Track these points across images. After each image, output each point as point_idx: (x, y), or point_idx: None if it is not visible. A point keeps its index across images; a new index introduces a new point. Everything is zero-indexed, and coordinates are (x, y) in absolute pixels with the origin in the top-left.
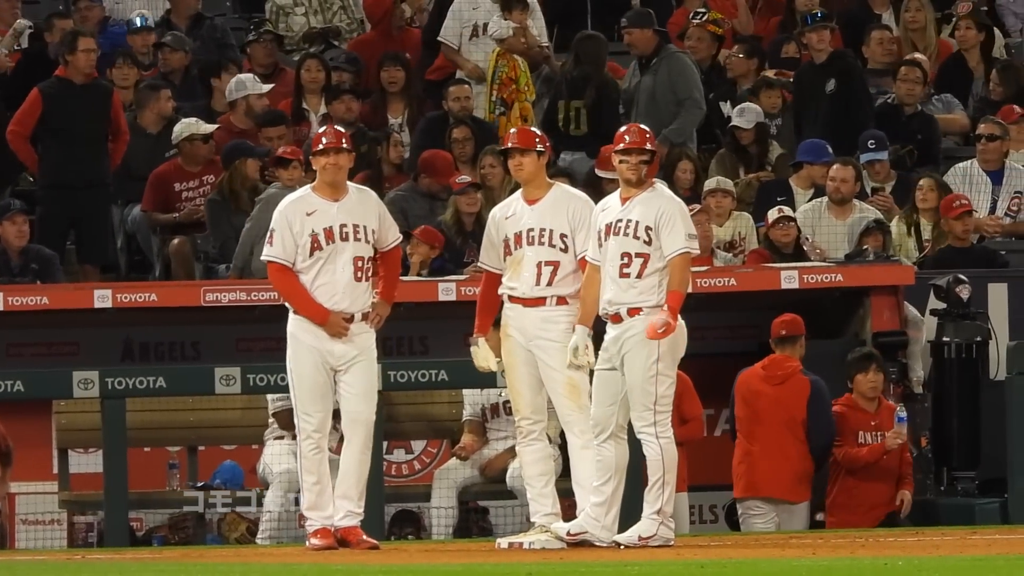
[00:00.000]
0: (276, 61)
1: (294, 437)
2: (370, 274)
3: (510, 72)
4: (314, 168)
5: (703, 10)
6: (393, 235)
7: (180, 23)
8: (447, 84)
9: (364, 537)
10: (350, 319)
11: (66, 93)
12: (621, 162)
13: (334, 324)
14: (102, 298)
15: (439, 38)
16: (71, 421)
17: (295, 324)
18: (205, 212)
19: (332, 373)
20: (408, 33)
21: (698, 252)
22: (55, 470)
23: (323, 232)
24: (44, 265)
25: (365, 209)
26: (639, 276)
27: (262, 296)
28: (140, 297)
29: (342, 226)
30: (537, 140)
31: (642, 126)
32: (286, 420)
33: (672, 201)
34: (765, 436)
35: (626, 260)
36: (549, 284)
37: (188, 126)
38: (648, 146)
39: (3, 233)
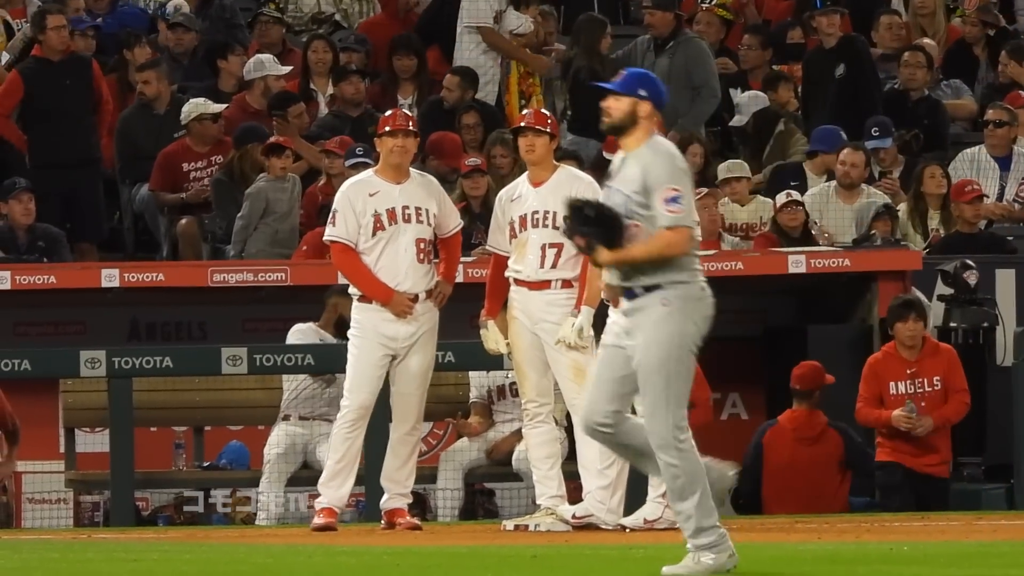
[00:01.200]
0: (284, 42)
1: (300, 418)
2: (431, 257)
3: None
4: (378, 150)
5: None
6: (455, 221)
7: (190, 2)
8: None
9: (408, 518)
10: (414, 299)
11: (45, 72)
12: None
13: (398, 303)
14: (109, 277)
15: (472, 23)
16: (78, 400)
17: (360, 310)
18: (211, 191)
19: (390, 362)
20: (416, 15)
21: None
22: (62, 449)
23: (386, 212)
24: (51, 243)
25: (427, 193)
26: None
27: (269, 277)
28: (147, 277)
29: (404, 207)
30: (549, 122)
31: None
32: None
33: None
34: (803, 494)
35: None
36: (553, 266)
37: (197, 106)
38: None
39: (9, 212)
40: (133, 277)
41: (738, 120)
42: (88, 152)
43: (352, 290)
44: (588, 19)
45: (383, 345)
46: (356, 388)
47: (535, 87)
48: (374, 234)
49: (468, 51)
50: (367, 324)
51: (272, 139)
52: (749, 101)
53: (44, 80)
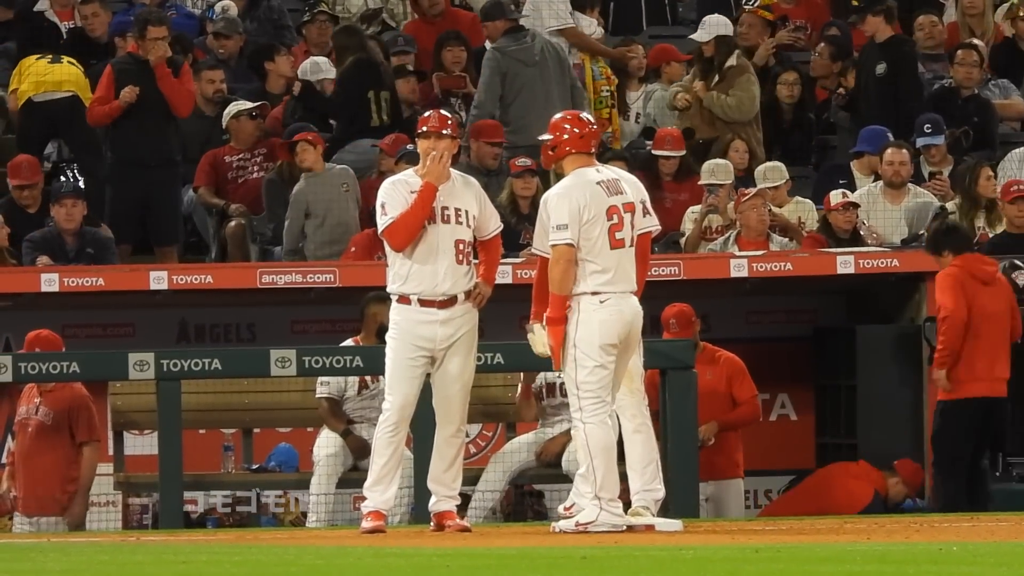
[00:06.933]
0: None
1: (350, 421)
2: (471, 259)
3: (603, 70)
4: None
5: None
6: (494, 224)
7: (237, 4)
8: None
9: (457, 520)
10: (453, 300)
11: (136, 69)
12: None
13: (435, 174)
14: (158, 280)
15: (556, 26)
16: (126, 403)
17: (398, 311)
18: (263, 191)
19: (429, 362)
20: (459, 15)
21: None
22: (111, 452)
23: None
24: (100, 249)
25: (467, 195)
26: None
27: (318, 279)
28: (196, 279)
29: (443, 208)
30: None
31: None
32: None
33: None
34: None
35: None
36: None
37: (234, 106)
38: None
39: (55, 216)
40: (181, 279)
41: (702, 35)
42: (169, 154)
43: (391, 289)
44: (343, 30)
45: (419, 346)
46: (395, 389)
47: (603, 84)
48: None
49: None
50: (404, 324)
51: (299, 135)
52: (713, 21)
53: (135, 78)
